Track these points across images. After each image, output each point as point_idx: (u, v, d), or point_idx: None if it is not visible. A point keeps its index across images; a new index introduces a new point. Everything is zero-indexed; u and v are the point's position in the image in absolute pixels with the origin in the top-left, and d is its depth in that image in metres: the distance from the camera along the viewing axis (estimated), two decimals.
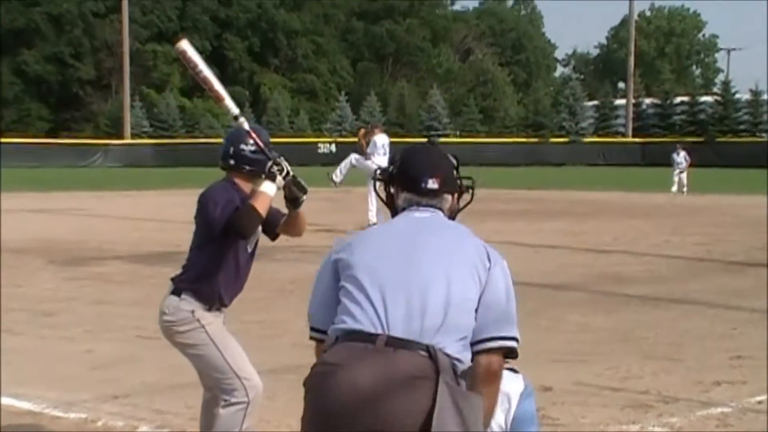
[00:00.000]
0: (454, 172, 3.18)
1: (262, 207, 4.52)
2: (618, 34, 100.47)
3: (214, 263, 4.66)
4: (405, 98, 71.76)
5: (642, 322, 9.24)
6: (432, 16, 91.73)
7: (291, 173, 4.61)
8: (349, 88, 77.48)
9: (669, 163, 33.09)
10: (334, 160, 52.59)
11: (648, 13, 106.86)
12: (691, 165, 32.02)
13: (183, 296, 4.66)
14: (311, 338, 3.08)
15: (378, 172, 3.27)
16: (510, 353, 2.95)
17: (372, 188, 17.86)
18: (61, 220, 21.05)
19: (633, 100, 62.34)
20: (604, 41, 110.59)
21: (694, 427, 5.76)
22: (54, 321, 9.22)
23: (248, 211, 4.49)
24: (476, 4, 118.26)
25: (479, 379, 2.87)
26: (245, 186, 4.71)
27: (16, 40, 72.36)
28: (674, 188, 30.39)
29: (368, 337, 2.76)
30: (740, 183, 33.59)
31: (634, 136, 60.07)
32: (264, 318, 9.10)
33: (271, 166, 4.56)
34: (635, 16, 68.55)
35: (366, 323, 2.79)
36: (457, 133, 64.12)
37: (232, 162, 4.79)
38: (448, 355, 2.76)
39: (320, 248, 15.25)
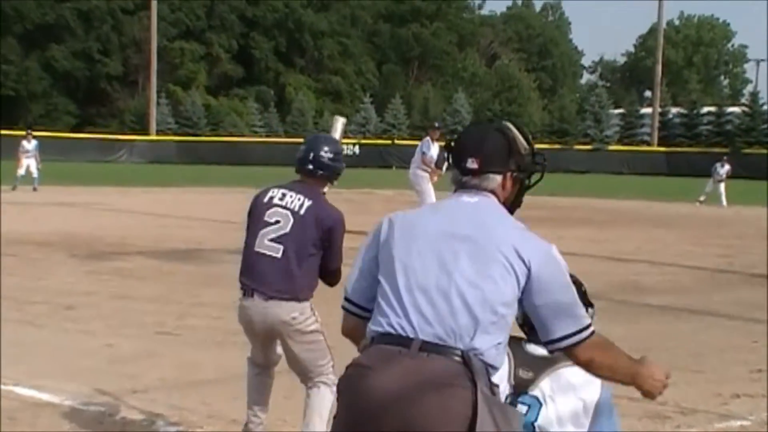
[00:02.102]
0: (507, 150, 3.03)
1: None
2: (646, 43, 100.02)
3: (314, 274, 5.05)
4: (429, 101, 71.76)
5: (662, 332, 9.20)
6: (459, 20, 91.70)
7: None
8: (374, 90, 77.56)
9: (695, 173, 32.92)
10: (357, 162, 52.77)
11: (677, 22, 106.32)
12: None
13: (303, 303, 5.01)
14: (342, 307, 3.07)
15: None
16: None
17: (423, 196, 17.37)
18: (85, 214, 21.17)
19: (659, 109, 62.02)
20: (632, 49, 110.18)
21: None
22: (75, 314, 9.28)
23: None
24: (503, 8, 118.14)
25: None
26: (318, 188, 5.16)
27: (46, 35, 72.90)
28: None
29: (403, 341, 2.74)
30: (765, 195, 33.35)
31: (659, 145, 59.72)
32: None
33: None
34: (664, 25, 68.19)
35: (401, 326, 2.77)
36: None
37: (310, 167, 5.13)
38: (483, 361, 2.74)
39: (343, 250, 15.27)
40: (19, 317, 8.97)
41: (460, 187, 3.03)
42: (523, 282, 2.80)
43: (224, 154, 54.27)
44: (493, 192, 3.01)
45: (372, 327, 2.86)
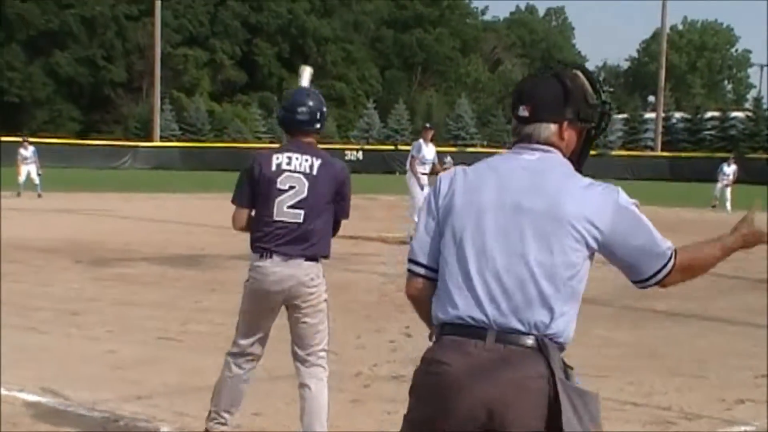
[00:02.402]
0: (563, 98, 2.85)
1: None
2: (649, 48, 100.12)
3: (329, 229, 5.13)
4: (433, 107, 71.88)
5: (666, 338, 9.18)
6: (462, 26, 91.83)
7: None
8: (378, 96, 77.71)
9: (698, 178, 32.88)
10: (360, 167, 52.81)
11: (680, 27, 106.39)
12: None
13: (320, 263, 5.10)
14: (408, 270, 2.94)
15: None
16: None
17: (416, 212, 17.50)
18: (89, 220, 21.19)
19: (663, 114, 62.00)
20: (635, 54, 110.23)
21: None
22: (79, 320, 9.28)
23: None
24: (507, 14, 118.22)
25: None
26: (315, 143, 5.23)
27: (50, 41, 73.10)
28: (715, 202, 30.05)
29: (477, 332, 2.66)
30: None
31: (662, 150, 59.68)
32: (285, 323, 9.07)
33: None
34: (667, 30, 68.25)
35: (471, 312, 2.68)
36: (485, 143, 64.06)
37: (318, 126, 5.18)
38: (557, 342, 2.68)
39: (342, 255, 15.29)
40: (23, 323, 8.97)
41: (516, 137, 2.92)
42: (595, 245, 2.75)
43: (228, 160, 54.14)
44: (551, 144, 2.86)
45: (440, 314, 2.76)
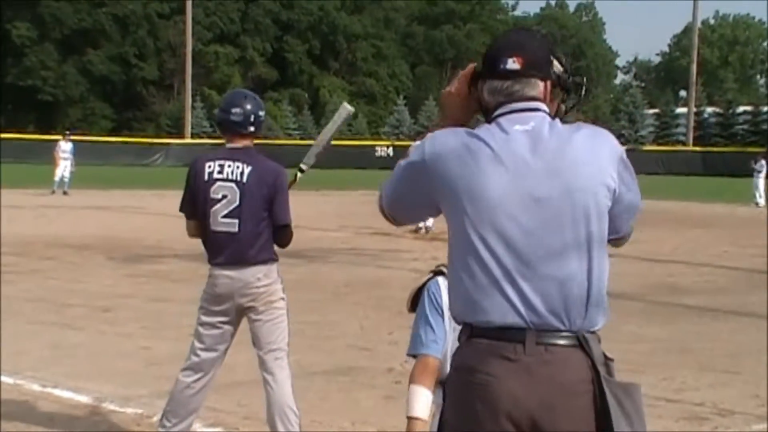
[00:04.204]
0: (551, 57, 2.63)
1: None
2: (680, 42, 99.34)
3: (269, 232, 5.00)
4: None
5: (698, 333, 9.13)
6: (492, 21, 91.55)
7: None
8: (408, 93, 77.65)
9: (731, 173, 32.62)
10: (391, 163, 52.63)
11: (712, 21, 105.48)
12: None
13: (269, 264, 4.99)
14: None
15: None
16: None
17: None
18: (122, 217, 21.36)
19: (694, 109, 61.53)
20: (666, 49, 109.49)
21: None
22: (112, 317, 9.36)
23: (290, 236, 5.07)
24: (537, 9, 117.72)
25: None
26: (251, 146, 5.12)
27: (82, 40, 73.73)
28: (762, 200, 29.71)
29: (514, 335, 2.47)
30: None
31: (694, 145, 59.21)
32: (318, 319, 9.15)
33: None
34: (699, 24, 67.66)
35: (505, 315, 2.47)
36: None
37: (252, 129, 5.07)
38: (596, 333, 2.54)
39: (375, 251, 15.34)
40: (57, 320, 9.07)
41: (502, 96, 2.60)
42: (610, 200, 2.56)
43: None
44: (538, 101, 2.60)
45: (465, 317, 2.55)
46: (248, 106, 5.03)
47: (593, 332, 2.54)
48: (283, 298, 5.05)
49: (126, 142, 58.14)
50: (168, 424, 5.10)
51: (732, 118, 63.71)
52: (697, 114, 62.16)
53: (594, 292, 2.52)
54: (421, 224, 17.47)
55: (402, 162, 2.70)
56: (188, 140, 58.46)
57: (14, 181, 29.91)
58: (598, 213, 2.51)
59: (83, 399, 6.33)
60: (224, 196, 4.90)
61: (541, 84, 2.60)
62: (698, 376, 7.26)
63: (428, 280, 3.36)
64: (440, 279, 3.30)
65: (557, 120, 2.60)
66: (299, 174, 5.27)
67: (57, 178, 28.56)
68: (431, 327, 3.27)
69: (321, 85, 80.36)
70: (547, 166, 2.49)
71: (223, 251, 4.97)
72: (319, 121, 66.25)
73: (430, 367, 3.24)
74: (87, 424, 5.81)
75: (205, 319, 5.13)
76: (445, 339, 3.26)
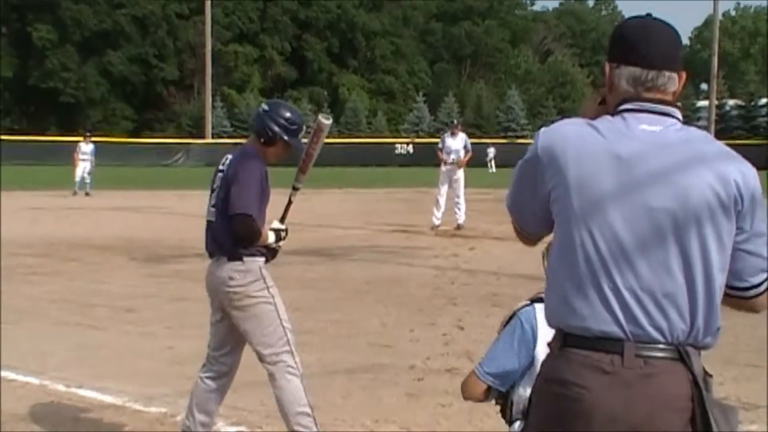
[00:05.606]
0: (680, 43, 2.50)
1: (261, 241, 4.87)
2: (701, 35, 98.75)
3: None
4: (482, 99, 71.57)
5: (722, 327, 9.05)
6: (511, 17, 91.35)
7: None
8: (427, 89, 77.59)
9: (753, 165, 32.25)
10: (410, 161, 52.82)
11: (733, 13, 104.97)
12: None
13: (243, 260, 4.88)
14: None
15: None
16: None
17: (442, 190, 17.79)
18: (143, 218, 21.44)
19: (716, 102, 61.23)
20: (687, 41, 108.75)
21: None
22: (135, 317, 9.40)
23: (257, 233, 4.82)
24: (556, 4, 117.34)
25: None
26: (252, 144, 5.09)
27: (102, 41, 74.12)
28: None
29: (611, 345, 2.32)
30: None
31: (716, 137, 58.37)
32: (340, 318, 9.16)
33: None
34: (719, 16, 67.27)
35: (603, 323, 2.32)
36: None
37: (262, 137, 5.05)
38: (696, 347, 2.38)
39: (396, 248, 15.32)
40: (81, 320, 9.12)
41: (641, 87, 2.45)
42: (731, 225, 2.36)
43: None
44: (675, 100, 2.48)
45: (559, 322, 2.42)
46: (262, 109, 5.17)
47: (699, 347, 2.39)
48: (264, 297, 4.91)
49: (147, 143, 58.40)
50: (189, 423, 5.13)
51: (754, 110, 63.36)
52: (718, 107, 61.89)
53: (701, 310, 2.36)
54: (437, 222, 17.48)
55: (519, 161, 2.56)
56: (209, 140, 58.55)
57: (37, 182, 30.10)
58: (715, 232, 2.35)
59: (107, 399, 6.36)
60: (218, 187, 4.99)
61: (675, 76, 2.48)
62: (722, 370, 7.20)
63: (523, 306, 3.30)
64: (537, 306, 3.20)
65: (688, 127, 2.47)
66: (295, 192, 5.18)
67: (77, 179, 28.83)
68: (506, 358, 3.26)
69: (340, 83, 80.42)
70: (668, 175, 2.33)
71: (206, 241, 5.04)
72: (339, 119, 66.37)
73: (477, 392, 3.30)
74: (111, 424, 5.84)
75: (210, 317, 5.17)
76: (519, 370, 3.24)
